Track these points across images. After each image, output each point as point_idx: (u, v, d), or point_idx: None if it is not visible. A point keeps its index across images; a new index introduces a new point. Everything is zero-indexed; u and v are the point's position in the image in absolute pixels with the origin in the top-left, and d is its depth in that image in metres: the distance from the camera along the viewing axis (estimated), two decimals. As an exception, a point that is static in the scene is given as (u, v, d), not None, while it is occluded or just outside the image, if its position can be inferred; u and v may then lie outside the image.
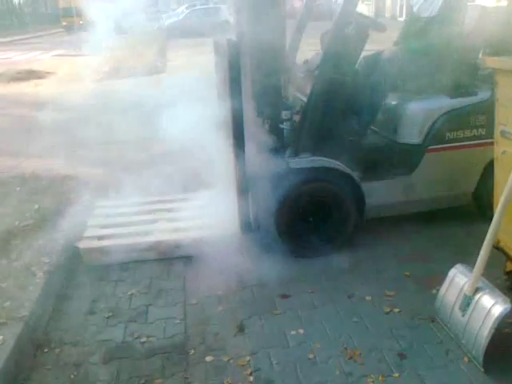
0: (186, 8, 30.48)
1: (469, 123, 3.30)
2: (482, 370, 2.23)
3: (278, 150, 3.15)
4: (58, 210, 3.82)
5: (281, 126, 3.20)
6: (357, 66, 3.64)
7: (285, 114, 3.21)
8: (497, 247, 2.71)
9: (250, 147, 3.06)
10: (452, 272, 2.51)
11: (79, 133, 6.94)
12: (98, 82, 11.96)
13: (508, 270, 2.72)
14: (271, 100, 3.12)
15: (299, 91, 3.64)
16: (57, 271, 3.09)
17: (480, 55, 3.49)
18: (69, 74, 13.36)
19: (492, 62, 2.45)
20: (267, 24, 2.94)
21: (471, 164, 3.36)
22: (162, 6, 57.75)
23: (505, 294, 2.65)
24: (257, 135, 3.13)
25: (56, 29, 30.46)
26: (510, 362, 2.28)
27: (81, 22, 27.04)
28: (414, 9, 3.50)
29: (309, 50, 4.06)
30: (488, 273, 2.72)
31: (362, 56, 3.69)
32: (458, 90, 3.30)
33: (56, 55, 19.68)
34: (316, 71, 3.21)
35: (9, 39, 27.58)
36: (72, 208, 3.89)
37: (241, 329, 2.66)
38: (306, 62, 3.81)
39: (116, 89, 10.66)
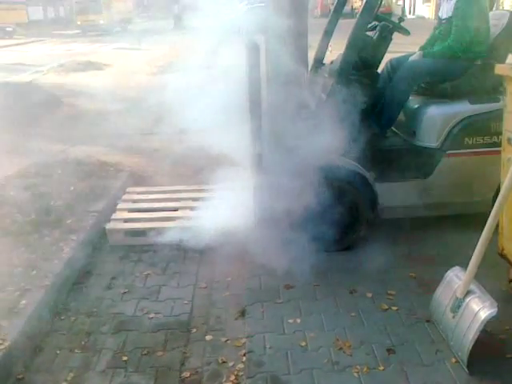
0: (245, 5, 30.97)
1: (489, 129, 3.28)
2: (467, 371, 2.26)
3: None
4: (92, 193, 4.10)
5: None
6: (382, 68, 3.72)
7: None
8: (501, 254, 2.72)
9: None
10: (448, 274, 2.55)
11: (125, 123, 7.32)
12: (152, 75, 12.41)
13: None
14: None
15: (323, 91, 3.73)
16: (82, 248, 3.35)
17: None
18: (125, 67, 13.92)
19: (501, 70, 2.45)
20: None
21: (490, 171, 3.33)
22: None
23: (508, 302, 2.68)
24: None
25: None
26: (494, 365, 2.30)
27: (101, 22, 27.88)
28: (439, 13, 3.50)
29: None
30: (493, 280, 2.76)
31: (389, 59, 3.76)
32: (479, 96, 3.28)
33: (116, 48, 20.47)
34: (335, 72, 3.29)
35: (75, 31, 28.95)
36: (105, 192, 4.17)
37: (242, 313, 2.81)
38: (332, 62, 3.89)
39: (166, 83, 11.06)
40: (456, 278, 2.47)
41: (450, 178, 3.36)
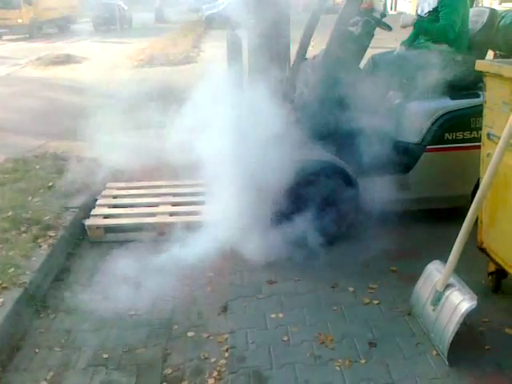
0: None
1: (469, 125, 3.31)
2: (447, 363, 2.29)
3: None
4: (71, 188, 4.03)
5: None
6: (365, 64, 3.73)
7: None
8: (480, 248, 2.76)
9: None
10: (428, 268, 2.57)
11: (104, 118, 7.22)
12: (132, 69, 12.26)
13: (490, 270, 2.75)
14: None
15: (306, 86, 3.72)
16: (61, 245, 3.30)
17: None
18: (104, 61, 13.71)
19: (481, 66, 2.48)
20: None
21: (470, 166, 3.37)
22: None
23: (486, 295, 2.72)
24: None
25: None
26: (474, 358, 2.33)
27: (20, 21, 20.45)
28: (418, 10, 3.53)
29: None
30: (472, 274, 2.79)
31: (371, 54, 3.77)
32: (459, 91, 3.31)
33: (95, 41, 20.16)
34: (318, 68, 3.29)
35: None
36: (84, 187, 4.11)
37: (224, 309, 2.80)
38: (315, 57, 3.89)
39: (147, 77, 10.94)
40: (436, 272, 2.50)
41: (431, 173, 3.39)
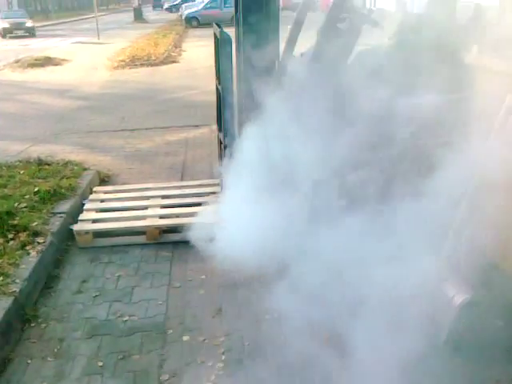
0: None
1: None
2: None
3: None
4: (58, 193, 3.96)
5: None
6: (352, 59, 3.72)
7: None
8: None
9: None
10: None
11: (86, 120, 7.14)
12: (113, 70, 12.14)
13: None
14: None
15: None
16: (49, 251, 3.23)
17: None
18: (85, 63, 13.55)
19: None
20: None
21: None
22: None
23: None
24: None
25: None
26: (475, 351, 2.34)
27: None
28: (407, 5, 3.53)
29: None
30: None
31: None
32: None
33: (75, 42, 19.92)
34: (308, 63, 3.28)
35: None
36: (71, 192, 4.04)
37: (219, 312, 2.77)
38: (302, 54, 3.88)
39: (128, 78, 10.85)
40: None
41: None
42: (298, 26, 3.98)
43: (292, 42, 3.99)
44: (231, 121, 3.24)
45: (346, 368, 2.20)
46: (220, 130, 3.62)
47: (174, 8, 46.89)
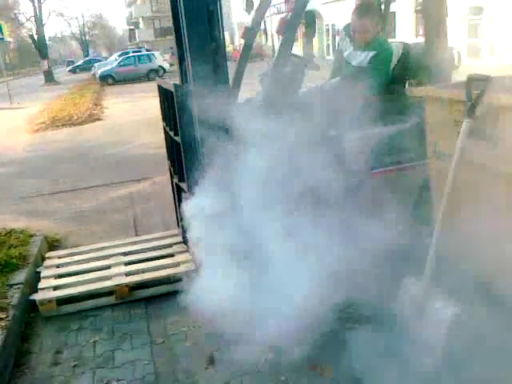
0: (119, 56, 30.75)
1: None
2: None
3: None
4: (8, 263, 3.72)
5: None
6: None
7: None
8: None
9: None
10: (403, 285, 2.69)
11: (18, 186, 6.81)
12: (34, 133, 11.74)
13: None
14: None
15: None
16: (15, 326, 3.00)
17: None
18: (0, 127, 13.01)
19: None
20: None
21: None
22: (92, 56, 57.72)
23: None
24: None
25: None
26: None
27: None
28: (344, 54, 3.79)
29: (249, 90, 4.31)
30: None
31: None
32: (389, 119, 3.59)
33: (-15, 109, 19.05)
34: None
35: None
36: (22, 261, 3.81)
37: (211, 361, 2.70)
38: (248, 100, 4.02)
39: (52, 139, 10.54)
40: (412, 287, 2.62)
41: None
42: (239, 74, 4.15)
43: (236, 89, 4.15)
44: (194, 169, 3.27)
45: None
46: (180, 179, 3.63)
47: (77, 69, 46.44)
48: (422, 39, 3.91)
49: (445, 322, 2.38)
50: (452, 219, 2.42)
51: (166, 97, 3.75)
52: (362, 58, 3.62)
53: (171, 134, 3.66)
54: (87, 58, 52.83)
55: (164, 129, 4.03)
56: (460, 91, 2.43)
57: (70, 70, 47.06)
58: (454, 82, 3.68)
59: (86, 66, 44.25)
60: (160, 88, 3.96)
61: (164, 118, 3.99)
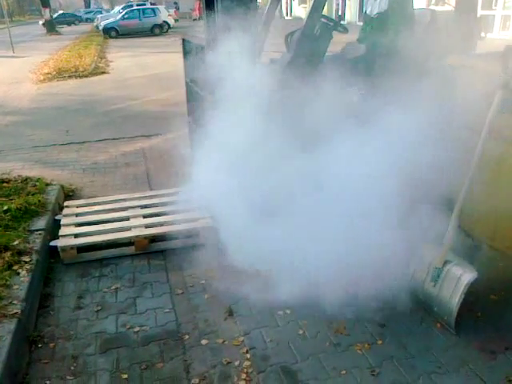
0: (123, 8, 29.88)
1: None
2: (455, 332, 2.50)
3: None
4: (28, 210, 3.77)
5: None
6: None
7: None
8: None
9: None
10: (420, 251, 2.76)
11: (28, 135, 6.79)
12: (40, 83, 11.59)
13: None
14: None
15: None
16: (38, 270, 3.09)
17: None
18: (5, 77, 12.82)
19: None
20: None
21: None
22: (93, 7, 56.09)
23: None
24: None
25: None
26: (478, 325, 2.56)
27: None
28: (367, 10, 3.77)
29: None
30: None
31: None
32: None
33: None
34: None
35: None
36: (41, 208, 3.87)
37: (230, 313, 2.80)
38: (272, 61, 4.01)
39: (59, 91, 10.42)
40: (429, 252, 2.70)
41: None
42: (264, 33, 4.12)
43: (259, 49, 4.12)
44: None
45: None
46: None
47: (65, 23, 43.72)
48: (447, 7, 3.86)
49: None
50: (479, 192, 2.47)
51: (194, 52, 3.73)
52: (382, 3, 3.59)
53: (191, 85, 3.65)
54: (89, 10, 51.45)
55: (187, 84, 4.02)
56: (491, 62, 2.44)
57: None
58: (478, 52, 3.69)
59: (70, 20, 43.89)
60: (186, 43, 3.93)
61: (188, 74, 3.98)
